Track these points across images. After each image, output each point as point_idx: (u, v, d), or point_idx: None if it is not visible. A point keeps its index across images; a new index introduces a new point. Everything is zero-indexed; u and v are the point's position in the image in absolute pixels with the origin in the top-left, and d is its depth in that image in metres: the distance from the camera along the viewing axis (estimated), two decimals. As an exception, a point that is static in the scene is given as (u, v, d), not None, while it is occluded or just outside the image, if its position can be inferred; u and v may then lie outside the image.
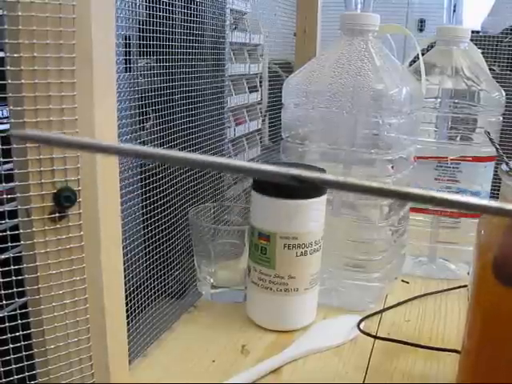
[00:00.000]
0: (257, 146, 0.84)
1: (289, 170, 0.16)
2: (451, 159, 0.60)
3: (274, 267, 0.47)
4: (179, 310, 0.52)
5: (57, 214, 0.31)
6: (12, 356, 0.31)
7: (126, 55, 0.43)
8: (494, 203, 0.16)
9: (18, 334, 0.32)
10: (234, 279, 0.55)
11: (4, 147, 0.30)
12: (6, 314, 0.31)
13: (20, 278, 0.31)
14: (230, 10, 0.64)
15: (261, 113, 0.85)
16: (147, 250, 0.47)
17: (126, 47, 0.43)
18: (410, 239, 0.61)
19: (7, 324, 0.31)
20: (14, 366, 0.31)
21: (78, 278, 0.33)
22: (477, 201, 0.16)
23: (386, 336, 0.49)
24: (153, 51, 0.45)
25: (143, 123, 0.46)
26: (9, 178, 0.30)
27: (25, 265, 0.31)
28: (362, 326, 0.50)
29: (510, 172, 0.35)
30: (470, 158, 0.60)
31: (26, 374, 0.32)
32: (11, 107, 0.29)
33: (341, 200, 0.53)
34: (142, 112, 0.45)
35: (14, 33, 0.28)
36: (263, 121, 0.85)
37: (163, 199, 0.48)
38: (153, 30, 0.44)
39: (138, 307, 0.44)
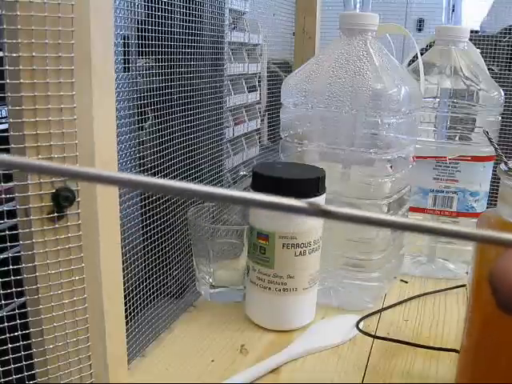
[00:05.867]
0: (256, 145, 0.84)
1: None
2: (450, 159, 0.60)
3: (272, 267, 0.47)
4: (178, 309, 0.52)
5: (55, 214, 0.31)
6: (11, 356, 0.31)
7: (124, 55, 0.43)
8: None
9: (16, 333, 0.32)
10: (233, 279, 0.55)
11: (2, 147, 0.30)
12: (4, 313, 0.31)
13: (19, 277, 0.31)
14: (229, 10, 0.64)
15: (260, 112, 0.85)
16: (146, 249, 0.47)
17: (124, 47, 0.43)
18: (408, 239, 0.61)
19: (6, 324, 0.31)
20: (12, 366, 0.31)
21: (76, 278, 0.33)
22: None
23: (385, 335, 0.49)
24: (151, 51, 0.45)
25: (142, 123, 0.46)
26: (7, 177, 0.30)
27: (23, 265, 0.31)
28: (360, 326, 0.50)
29: (508, 172, 0.35)
30: (469, 158, 0.60)
31: (25, 373, 0.32)
32: (10, 107, 0.29)
33: (340, 199, 0.53)
34: (141, 112, 0.45)
35: (13, 32, 0.28)
36: (262, 120, 0.85)
37: (162, 198, 0.48)
38: (151, 29, 0.44)
39: (137, 307, 0.44)
